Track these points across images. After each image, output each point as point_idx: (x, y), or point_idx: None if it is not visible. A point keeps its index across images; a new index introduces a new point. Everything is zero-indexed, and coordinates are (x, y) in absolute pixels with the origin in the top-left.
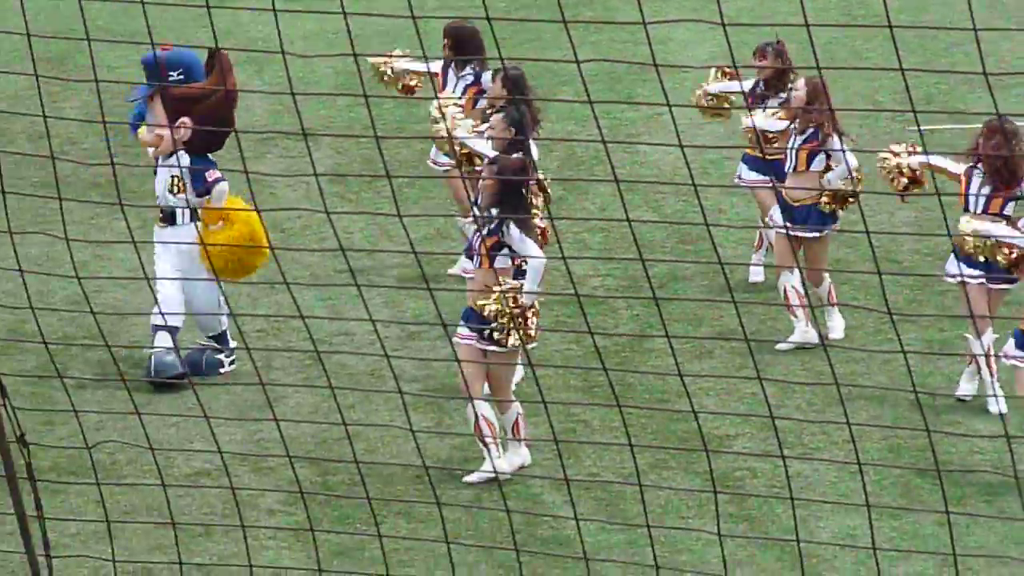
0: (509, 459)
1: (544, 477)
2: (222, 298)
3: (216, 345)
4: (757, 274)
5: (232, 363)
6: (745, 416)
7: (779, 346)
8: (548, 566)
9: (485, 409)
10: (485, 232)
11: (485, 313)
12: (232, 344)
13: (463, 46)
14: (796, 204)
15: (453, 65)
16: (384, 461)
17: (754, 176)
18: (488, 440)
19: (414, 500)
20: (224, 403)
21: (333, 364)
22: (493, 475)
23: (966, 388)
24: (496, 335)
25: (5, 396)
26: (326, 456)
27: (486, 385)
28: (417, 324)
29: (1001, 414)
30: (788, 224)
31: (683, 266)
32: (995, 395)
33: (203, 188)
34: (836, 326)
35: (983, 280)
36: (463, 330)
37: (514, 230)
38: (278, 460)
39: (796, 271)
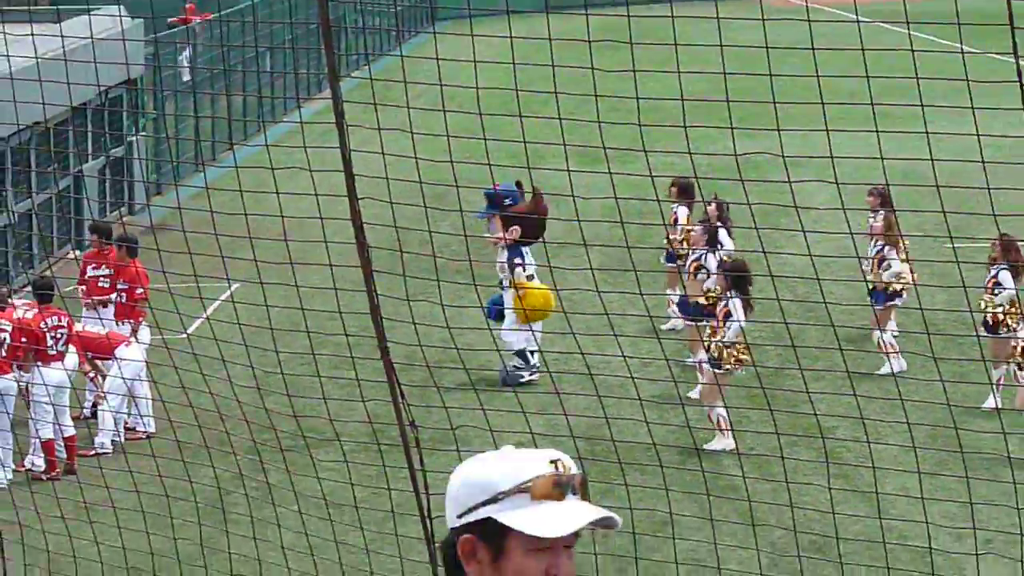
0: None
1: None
2: (530, 335)
3: (521, 363)
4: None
5: (532, 375)
6: (844, 416)
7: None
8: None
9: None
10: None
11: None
12: (533, 362)
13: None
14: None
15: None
16: (621, 439)
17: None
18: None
19: (644, 463)
20: (531, 401)
21: (599, 381)
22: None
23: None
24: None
25: (403, 397)
26: (593, 436)
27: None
28: (650, 358)
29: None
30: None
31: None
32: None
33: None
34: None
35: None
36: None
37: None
38: (565, 437)
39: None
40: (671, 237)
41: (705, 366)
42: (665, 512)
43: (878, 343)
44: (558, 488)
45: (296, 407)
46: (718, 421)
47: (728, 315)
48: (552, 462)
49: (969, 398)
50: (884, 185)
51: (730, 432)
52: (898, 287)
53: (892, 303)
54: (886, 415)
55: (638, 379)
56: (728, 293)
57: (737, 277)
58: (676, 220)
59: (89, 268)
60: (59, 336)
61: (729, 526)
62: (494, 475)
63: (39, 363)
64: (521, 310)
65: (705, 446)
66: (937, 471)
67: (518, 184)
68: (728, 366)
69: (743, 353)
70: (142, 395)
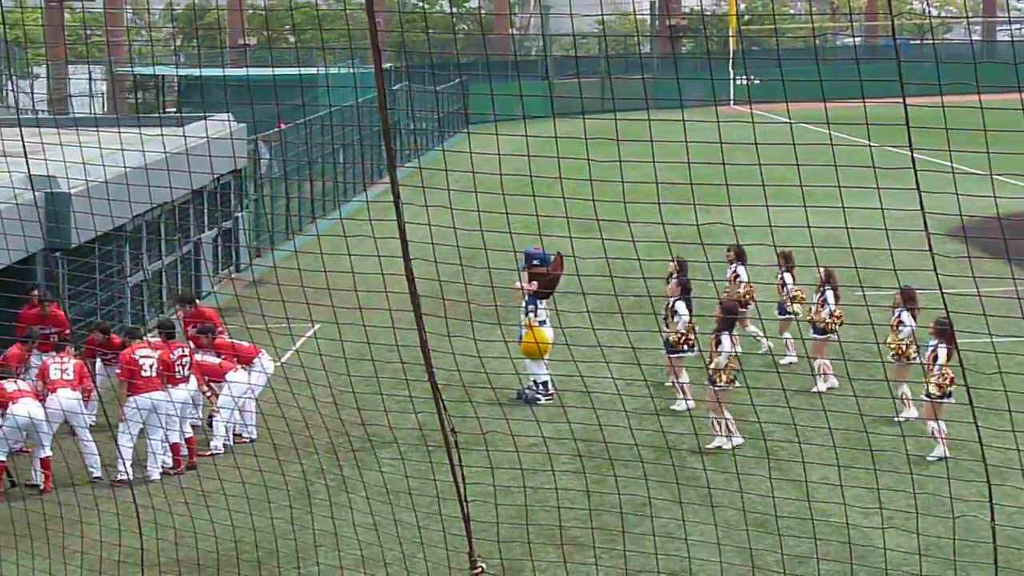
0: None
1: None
2: (543, 366)
3: (537, 388)
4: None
5: (548, 399)
6: (779, 423)
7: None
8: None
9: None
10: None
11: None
12: (550, 390)
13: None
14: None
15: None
16: (610, 441)
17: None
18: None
19: (628, 459)
20: (542, 413)
21: (594, 397)
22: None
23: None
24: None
25: (445, 409)
26: (589, 438)
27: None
28: (632, 379)
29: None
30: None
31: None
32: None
33: (533, 310)
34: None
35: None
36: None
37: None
38: (567, 439)
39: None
40: (734, 291)
41: (708, 386)
42: (644, 496)
43: (817, 367)
44: None
45: (364, 417)
46: (725, 424)
47: (719, 344)
48: None
49: (875, 410)
50: (790, 248)
51: (736, 431)
52: (832, 325)
53: (827, 337)
54: (811, 422)
55: (623, 395)
56: (720, 329)
57: (727, 317)
58: (736, 277)
59: (189, 328)
60: (184, 364)
61: (693, 507)
62: None
63: (170, 385)
64: (534, 344)
65: (710, 445)
66: (850, 464)
67: (559, 255)
68: (721, 384)
69: (733, 373)
70: (247, 409)
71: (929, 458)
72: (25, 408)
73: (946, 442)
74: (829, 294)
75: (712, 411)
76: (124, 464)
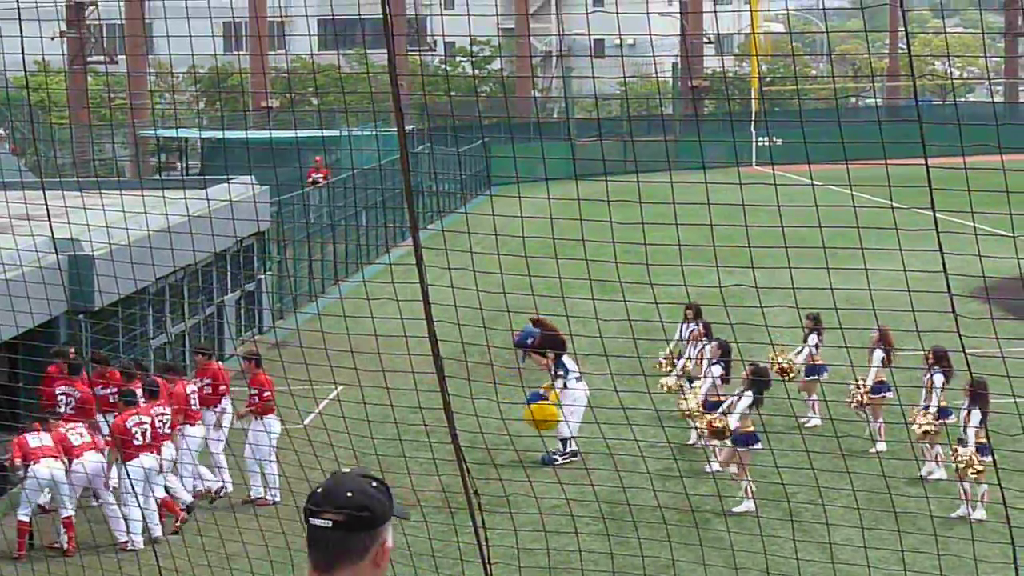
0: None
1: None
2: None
3: (561, 449)
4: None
5: (564, 459)
6: (803, 484)
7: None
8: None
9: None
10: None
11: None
12: (565, 449)
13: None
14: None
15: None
16: (633, 503)
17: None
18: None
19: (651, 520)
20: (565, 474)
21: (617, 458)
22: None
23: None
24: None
25: (468, 471)
26: (613, 500)
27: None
28: (655, 440)
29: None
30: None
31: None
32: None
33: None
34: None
35: None
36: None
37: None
38: (591, 501)
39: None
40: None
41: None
42: (668, 558)
43: (878, 430)
44: None
45: (387, 479)
46: (745, 489)
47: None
48: None
49: (898, 471)
50: (818, 311)
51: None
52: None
53: (883, 397)
54: (835, 483)
55: (646, 457)
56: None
57: (757, 379)
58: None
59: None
60: (164, 422)
61: (716, 569)
62: None
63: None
64: (538, 418)
65: (733, 509)
66: (874, 526)
67: (533, 321)
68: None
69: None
70: (270, 471)
71: (972, 518)
72: (47, 469)
73: (982, 504)
74: (877, 354)
75: (736, 473)
76: (130, 529)
